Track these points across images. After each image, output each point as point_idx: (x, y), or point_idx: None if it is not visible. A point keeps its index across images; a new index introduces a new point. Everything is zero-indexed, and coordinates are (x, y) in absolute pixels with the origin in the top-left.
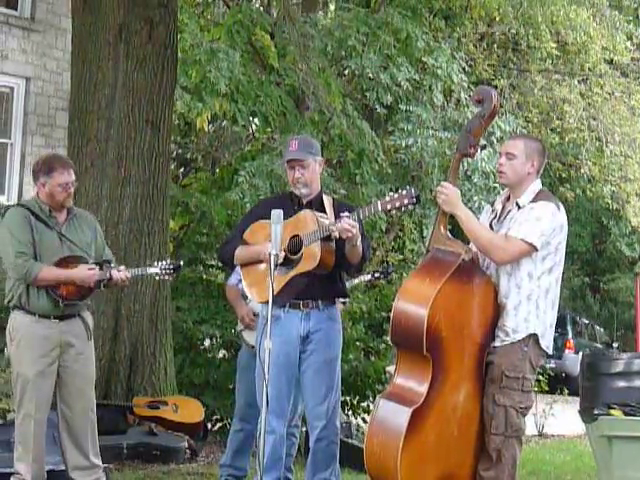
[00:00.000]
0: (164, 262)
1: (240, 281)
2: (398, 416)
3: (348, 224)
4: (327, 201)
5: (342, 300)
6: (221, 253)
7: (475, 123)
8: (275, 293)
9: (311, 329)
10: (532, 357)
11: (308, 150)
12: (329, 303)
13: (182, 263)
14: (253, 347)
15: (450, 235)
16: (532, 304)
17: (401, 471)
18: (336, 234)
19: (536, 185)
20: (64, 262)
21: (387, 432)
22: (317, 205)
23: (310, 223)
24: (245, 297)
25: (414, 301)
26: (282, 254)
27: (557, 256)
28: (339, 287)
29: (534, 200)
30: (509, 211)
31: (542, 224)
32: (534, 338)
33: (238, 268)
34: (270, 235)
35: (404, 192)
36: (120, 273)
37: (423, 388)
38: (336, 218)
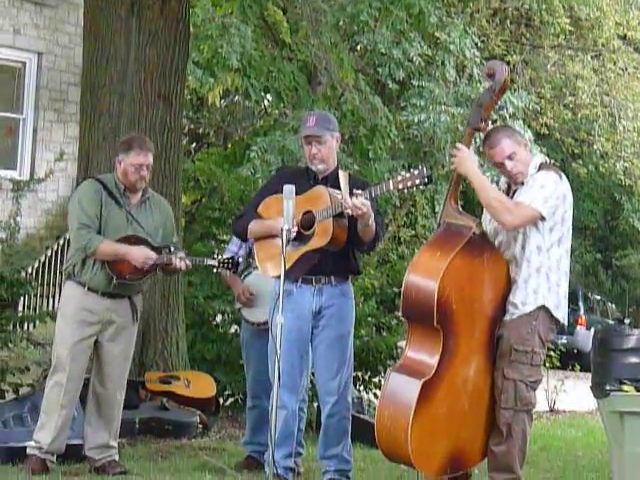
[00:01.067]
0: (222, 256)
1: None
2: (409, 388)
3: (360, 202)
4: (343, 177)
5: None
6: (234, 227)
7: (486, 97)
8: (287, 268)
9: (323, 304)
10: (541, 331)
11: (325, 126)
12: (342, 279)
13: (241, 260)
14: (253, 324)
15: (461, 209)
16: (542, 276)
17: (412, 444)
18: (348, 211)
19: (537, 159)
20: (126, 241)
21: (398, 405)
22: (332, 181)
23: (323, 199)
24: (240, 274)
25: (425, 274)
26: (295, 229)
27: (564, 227)
28: (352, 263)
29: (539, 170)
30: (515, 190)
31: (545, 191)
32: (544, 310)
33: (231, 245)
34: (283, 210)
35: (416, 172)
36: (181, 262)
37: (434, 360)
38: (351, 194)
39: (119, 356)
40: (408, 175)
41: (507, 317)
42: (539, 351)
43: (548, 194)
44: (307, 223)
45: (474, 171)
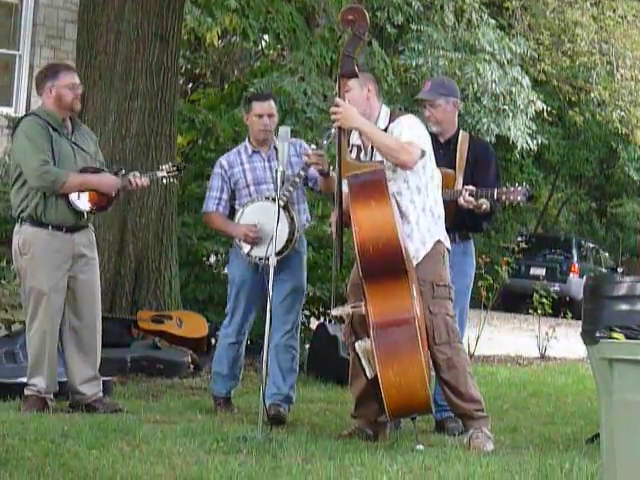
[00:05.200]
0: (168, 165)
1: (218, 204)
2: (405, 336)
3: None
4: (462, 139)
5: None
6: None
7: (353, 45)
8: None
9: None
10: (446, 265)
11: (438, 91)
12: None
13: (185, 164)
14: (266, 259)
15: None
16: (428, 214)
17: (428, 387)
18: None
19: (384, 109)
20: (85, 172)
21: (401, 356)
22: (454, 144)
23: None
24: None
25: (377, 228)
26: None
27: (432, 161)
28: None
29: (392, 120)
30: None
31: (414, 130)
32: (442, 244)
33: (209, 192)
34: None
35: (519, 188)
36: (141, 180)
37: (408, 302)
38: (469, 156)
39: (92, 285)
40: (512, 189)
41: (414, 261)
42: (451, 285)
43: (420, 132)
44: None
45: (362, 121)
